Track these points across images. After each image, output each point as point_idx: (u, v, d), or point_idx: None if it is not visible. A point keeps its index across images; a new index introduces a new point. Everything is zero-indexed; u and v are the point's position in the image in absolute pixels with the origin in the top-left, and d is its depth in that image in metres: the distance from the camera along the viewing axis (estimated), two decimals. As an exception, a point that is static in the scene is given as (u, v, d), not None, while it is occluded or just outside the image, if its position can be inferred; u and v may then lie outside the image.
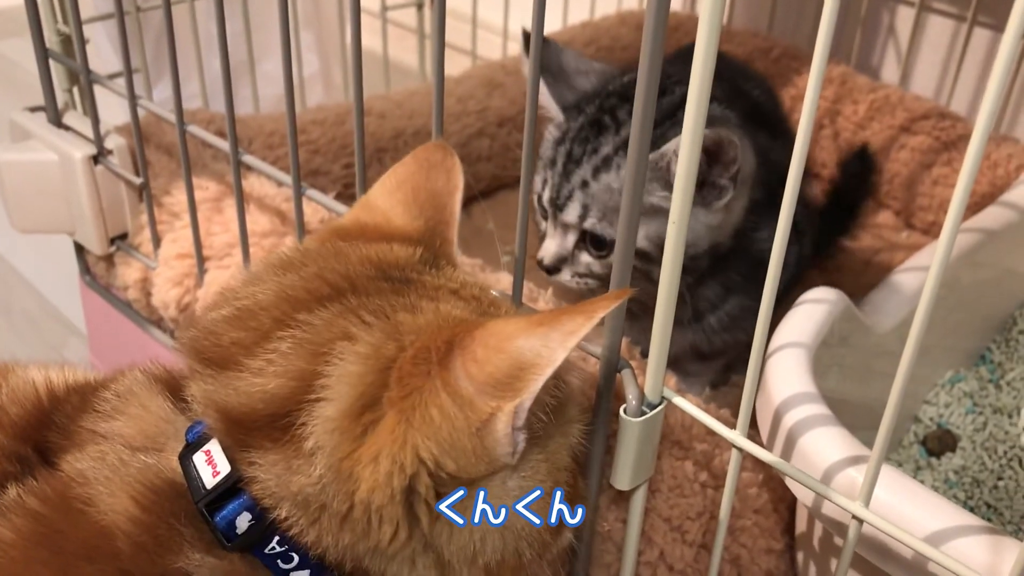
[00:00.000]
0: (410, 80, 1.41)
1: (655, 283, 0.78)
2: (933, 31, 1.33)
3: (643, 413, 0.56)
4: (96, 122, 0.91)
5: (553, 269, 0.83)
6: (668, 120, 0.79)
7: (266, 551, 0.47)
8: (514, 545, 0.48)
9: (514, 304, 0.62)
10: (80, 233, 0.97)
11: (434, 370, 0.44)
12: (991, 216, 0.93)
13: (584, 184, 0.79)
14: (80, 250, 1.04)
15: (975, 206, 1.00)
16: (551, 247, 0.83)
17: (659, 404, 0.57)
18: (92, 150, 0.91)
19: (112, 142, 0.92)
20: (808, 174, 1.07)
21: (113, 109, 1.11)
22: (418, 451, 0.44)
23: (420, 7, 1.45)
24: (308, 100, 1.44)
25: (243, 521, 0.46)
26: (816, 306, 0.71)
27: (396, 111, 1.22)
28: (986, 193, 1.13)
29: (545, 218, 0.84)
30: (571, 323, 0.43)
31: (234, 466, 0.46)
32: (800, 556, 0.72)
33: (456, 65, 1.44)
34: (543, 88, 0.83)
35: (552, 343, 0.43)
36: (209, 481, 0.46)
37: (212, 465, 0.46)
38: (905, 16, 1.34)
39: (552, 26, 1.48)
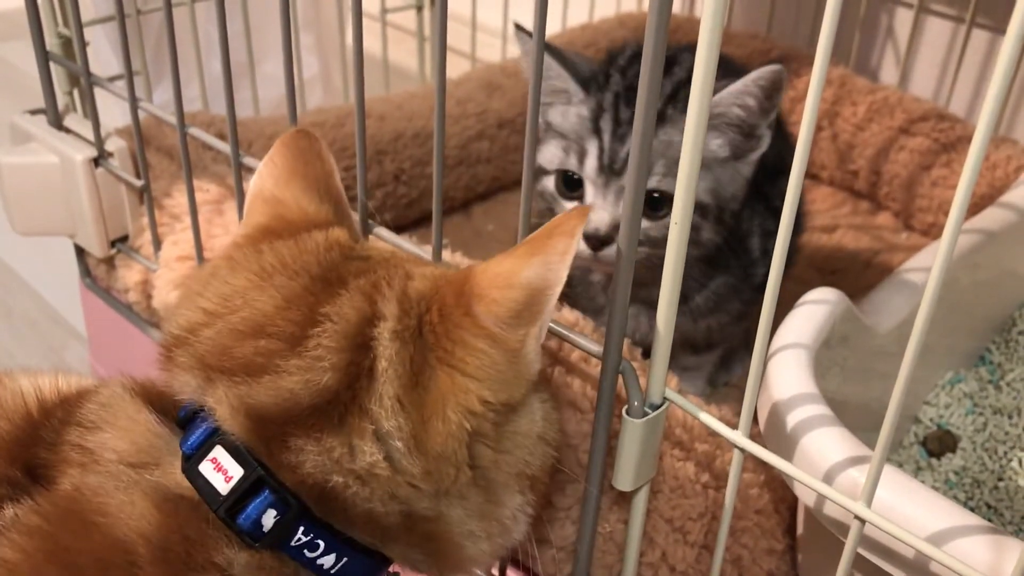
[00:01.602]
0: (409, 83, 1.41)
1: (701, 244, 0.81)
2: (932, 33, 1.33)
3: (645, 414, 0.56)
4: (97, 124, 0.91)
5: (607, 240, 0.78)
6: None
7: (292, 544, 0.47)
8: (541, 453, 0.54)
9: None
10: (80, 235, 0.97)
11: (465, 321, 0.49)
12: (990, 217, 0.93)
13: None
14: (80, 252, 1.04)
15: (974, 207, 1.01)
16: (604, 216, 0.78)
17: (661, 405, 0.57)
18: (93, 152, 0.92)
19: (113, 144, 0.92)
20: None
21: (113, 112, 1.11)
22: (477, 393, 0.49)
23: (419, 9, 1.45)
24: (308, 102, 1.45)
25: (268, 519, 0.46)
26: (817, 307, 0.71)
27: (396, 113, 1.22)
28: (985, 194, 1.14)
29: (570, 196, 0.81)
30: (560, 244, 0.48)
31: (251, 465, 0.47)
32: (801, 557, 0.73)
33: (455, 67, 1.44)
34: (559, 67, 0.83)
35: (553, 265, 0.48)
36: (223, 487, 0.46)
37: (222, 472, 0.46)
38: (904, 18, 1.34)
39: (552, 28, 1.48)
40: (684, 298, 0.86)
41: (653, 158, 0.78)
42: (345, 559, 0.49)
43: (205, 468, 0.47)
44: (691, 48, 0.86)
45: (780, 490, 0.73)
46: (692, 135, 0.48)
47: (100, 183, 0.93)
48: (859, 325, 0.76)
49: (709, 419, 0.57)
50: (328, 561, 0.48)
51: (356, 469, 0.48)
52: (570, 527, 0.66)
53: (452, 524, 0.51)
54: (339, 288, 0.51)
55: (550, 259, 0.48)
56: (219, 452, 0.47)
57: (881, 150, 1.25)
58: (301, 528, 0.47)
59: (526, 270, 0.49)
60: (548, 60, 0.83)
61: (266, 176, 0.59)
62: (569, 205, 0.81)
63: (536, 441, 0.53)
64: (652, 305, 0.88)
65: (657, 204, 0.79)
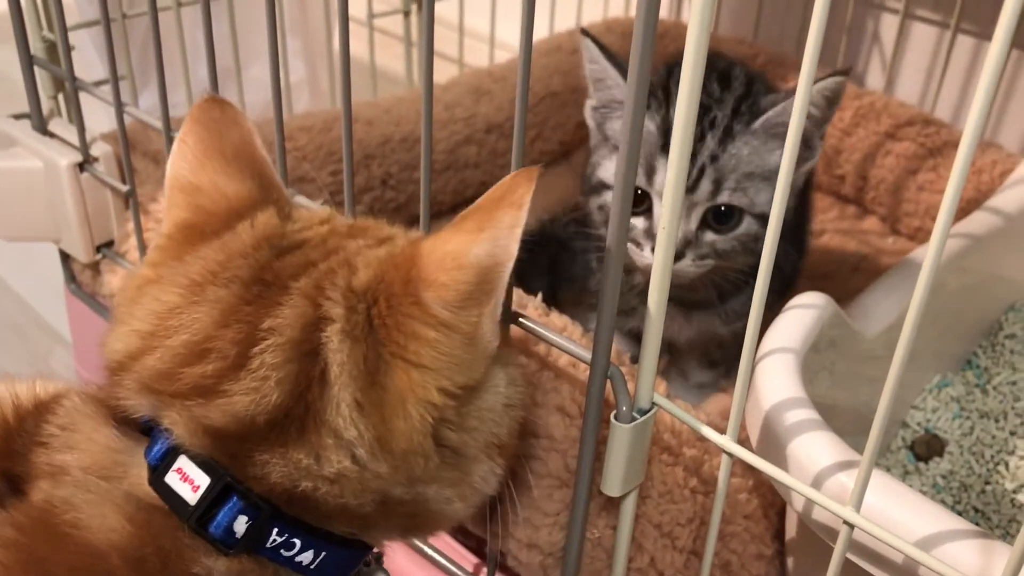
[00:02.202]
0: (397, 87, 1.40)
1: (757, 254, 0.80)
2: (917, 38, 1.34)
3: (633, 419, 0.56)
4: (82, 129, 0.90)
5: (679, 255, 0.81)
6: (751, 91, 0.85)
7: (268, 546, 0.47)
8: (508, 421, 0.53)
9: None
10: (65, 241, 0.97)
11: (415, 311, 0.47)
12: (977, 222, 0.93)
13: (714, 158, 0.81)
14: (66, 258, 1.04)
15: (961, 212, 1.01)
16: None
17: (649, 410, 0.57)
18: (78, 157, 0.91)
19: (98, 149, 0.92)
20: (811, 179, 1.08)
21: (98, 116, 1.10)
22: (435, 384, 0.48)
23: (407, 14, 1.44)
24: (295, 107, 1.44)
25: (240, 524, 0.46)
26: (805, 311, 0.71)
27: (384, 117, 1.22)
28: (971, 199, 1.14)
29: (635, 212, 0.82)
30: (508, 218, 0.47)
31: (217, 474, 0.46)
32: (790, 562, 0.72)
33: (443, 73, 1.44)
34: (618, 76, 0.83)
35: (502, 240, 0.47)
36: (191, 497, 0.46)
37: (189, 481, 0.46)
38: (889, 23, 1.35)
39: (540, 33, 1.48)
40: (721, 300, 0.90)
41: (724, 173, 0.81)
42: (324, 553, 0.49)
43: (171, 479, 0.46)
44: (740, 63, 0.89)
45: (769, 495, 0.73)
46: (680, 135, 0.48)
47: (85, 188, 0.92)
48: (847, 329, 0.76)
49: (697, 424, 0.57)
50: (307, 558, 0.48)
51: (325, 474, 0.47)
52: (558, 533, 0.66)
53: (430, 499, 0.51)
54: (278, 295, 0.48)
55: (498, 234, 0.47)
56: (184, 462, 0.46)
57: (867, 155, 1.26)
58: (275, 529, 0.47)
59: (475, 248, 0.47)
60: (609, 69, 0.84)
61: (180, 160, 0.55)
62: (634, 221, 0.83)
63: (503, 411, 0.52)
64: (687, 305, 0.90)
65: (725, 218, 0.80)
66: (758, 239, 0.82)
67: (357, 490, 0.48)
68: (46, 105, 0.97)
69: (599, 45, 0.85)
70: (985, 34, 1.27)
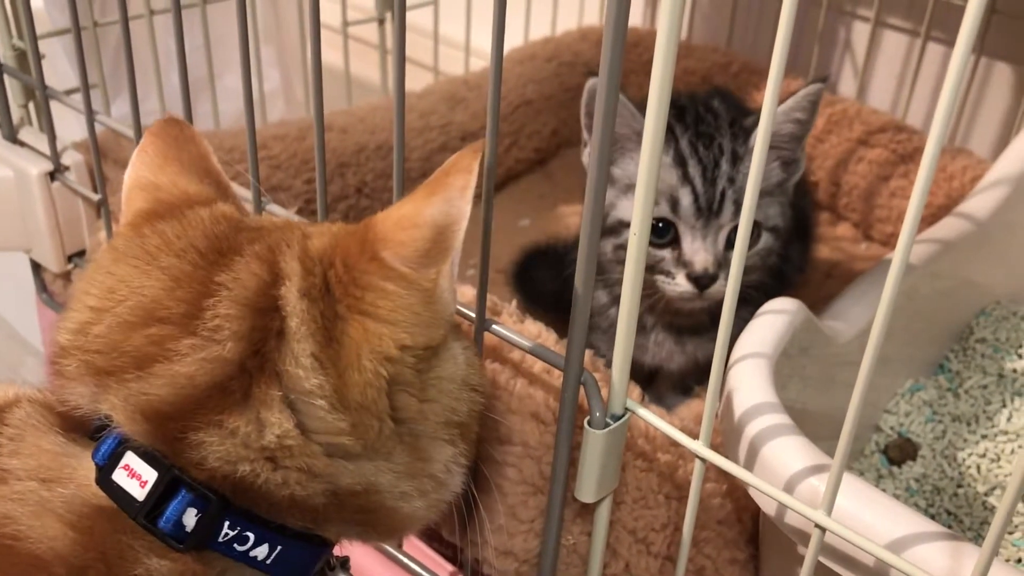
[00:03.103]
0: (372, 96, 1.40)
1: (768, 268, 0.87)
2: (888, 46, 1.35)
3: (607, 425, 0.56)
4: (52, 138, 0.90)
5: (714, 278, 0.83)
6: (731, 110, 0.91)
7: (220, 540, 0.46)
8: (468, 399, 0.53)
9: (478, 319, 0.62)
10: (37, 250, 0.96)
11: (372, 266, 0.48)
12: (947, 227, 0.94)
13: (731, 180, 0.83)
14: (37, 268, 1.03)
15: (932, 218, 1.02)
16: (707, 256, 0.83)
17: (623, 416, 0.57)
18: (49, 166, 0.90)
19: (69, 158, 0.91)
20: (805, 182, 1.10)
21: (70, 125, 1.09)
22: (392, 337, 0.48)
23: (381, 22, 1.44)
24: (269, 115, 1.44)
25: (190, 518, 0.45)
26: (776, 316, 0.72)
27: (359, 126, 1.21)
28: (942, 205, 1.15)
29: (660, 244, 0.84)
30: (460, 180, 0.48)
31: (164, 466, 0.45)
32: (763, 566, 0.73)
33: (418, 80, 1.44)
34: (634, 112, 0.83)
35: (455, 200, 0.48)
36: (139, 493, 0.45)
37: (136, 477, 0.45)
38: (861, 31, 1.36)
39: (514, 41, 1.48)
40: (715, 320, 0.89)
41: (741, 194, 0.82)
42: (280, 548, 0.48)
43: (119, 476, 0.45)
44: (725, 93, 0.92)
45: (742, 500, 0.73)
46: (649, 151, 0.48)
47: (56, 197, 0.92)
48: (819, 335, 0.76)
49: (670, 429, 0.57)
50: (261, 552, 0.47)
51: (265, 445, 0.46)
52: (533, 540, 0.66)
53: (383, 491, 0.50)
54: (233, 256, 0.49)
55: (451, 195, 0.48)
56: (131, 458, 0.45)
57: (840, 161, 1.27)
58: (227, 522, 0.46)
59: (428, 208, 0.48)
60: (623, 105, 0.82)
61: (139, 166, 0.56)
62: (662, 253, 0.85)
63: (461, 386, 0.52)
64: (679, 331, 0.91)
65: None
66: (771, 252, 0.86)
67: (301, 475, 0.47)
68: (16, 114, 0.96)
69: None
70: (955, 42, 1.28)
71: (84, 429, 0.48)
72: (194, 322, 0.46)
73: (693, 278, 0.83)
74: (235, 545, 0.46)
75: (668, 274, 0.85)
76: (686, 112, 0.89)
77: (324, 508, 0.48)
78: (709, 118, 0.89)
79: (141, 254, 0.49)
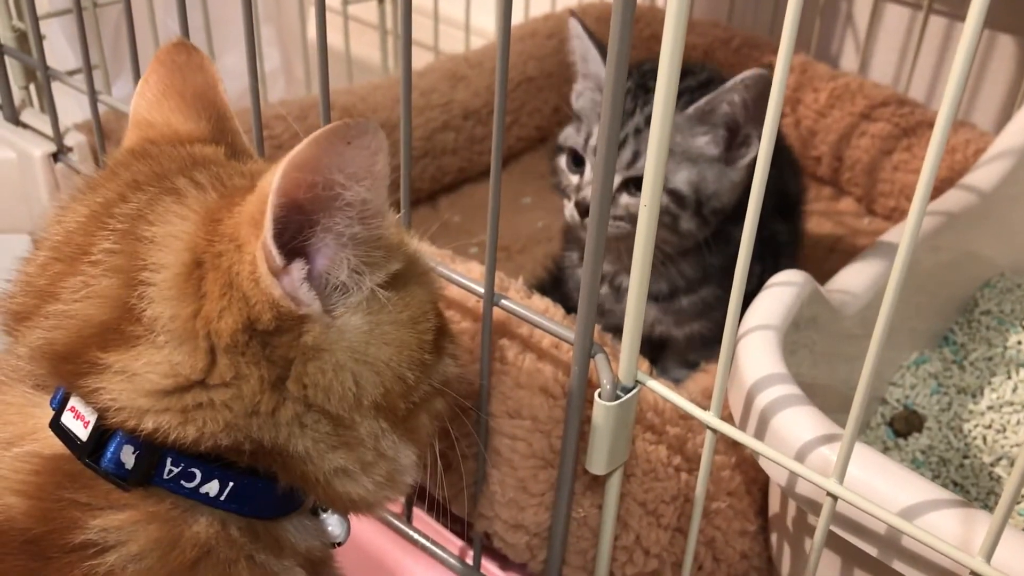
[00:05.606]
0: (372, 75, 1.40)
1: (679, 234, 0.87)
2: (890, 19, 1.34)
3: (617, 397, 0.57)
4: (55, 119, 0.90)
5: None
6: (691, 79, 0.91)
7: (165, 477, 0.45)
8: (392, 374, 0.47)
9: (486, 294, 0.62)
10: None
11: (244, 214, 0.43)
12: (951, 200, 0.94)
13: (637, 131, 0.86)
14: (41, 250, 1.03)
15: (935, 191, 1.02)
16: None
17: (633, 388, 0.57)
18: (51, 147, 0.90)
19: (72, 139, 0.91)
20: (798, 165, 1.09)
21: (71, 106, 1.09)
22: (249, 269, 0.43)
23: (381, 2, 1.44)
24: (270, 95, 1.43)
25: (128, 455, 0.44)
26: (784, 288, 0.72)
27: (360, 105, 1.21)
28: (946, 178, 1.15)
29: (574, 171, 0.90)
30: (298, 153, 0.41)
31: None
32: (774, 537, 0.73)
33: (418, 59, 1.43)
34: (597, 54, 0.89)
35: (279, 169, 0.41)
36: (83, 433, 0.44)
37: (80, 418, 0.44)
38: (863, 5, 1.35)
39: (514, 18, 1.48)
40: (671, 296, 0.92)
41: (643, 147, 0.85)
42: (231, 483, 0.45)
43: (66, 418, 0.44)
44: (713, 70, 0.93)
45: (752, 471, 0.74)
46: (659, 122, 0.48)
47: (59, 178, 0.92)
48: (826, 307, 0.76)
49: (681, 401, 0.57)
50: (212, 488, 0.45)
51: (155, 390, 0.43)
52: (544, 513, 0.67)
53: (313, 459, 0.46)
54: (156, 184, 0.46)
55: (281, 165, 0.41)
56: (76, 400, 0.44)
57: (843, 136, 1.26)
58: (168, 459, 0.44)
59: (266, 175, 0.43)
60: (591, 49, 0.89)
61: (139, 100, 0.54)
62: (574, 179, 0.90)
63: (368, 366, 0.47)
64: (624, 292, 0.92)
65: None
66: (668, 213, 0.86)
67: (197, 416, 0.44)
68: (18, 95, 0.96)
69: (583, 26, 0.90)
70: (957, 14, 1.28)
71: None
72: (82, 260, 0.45)
73: (576, 203, 0.88)
74: (182, 482, 0.45)
75: (569, 199, 0.90)
76: (645, 69, 0.91)
77: (263, 458, 0.46)
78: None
79: (84, 188, 0.48)
